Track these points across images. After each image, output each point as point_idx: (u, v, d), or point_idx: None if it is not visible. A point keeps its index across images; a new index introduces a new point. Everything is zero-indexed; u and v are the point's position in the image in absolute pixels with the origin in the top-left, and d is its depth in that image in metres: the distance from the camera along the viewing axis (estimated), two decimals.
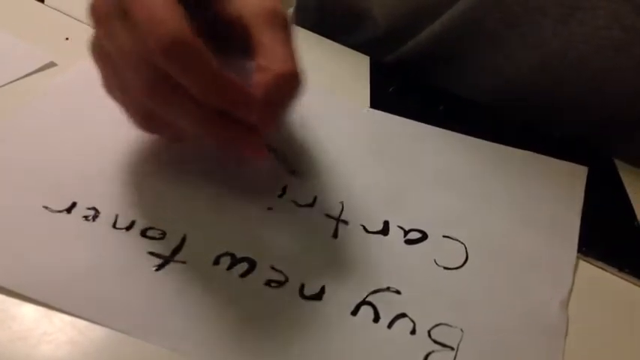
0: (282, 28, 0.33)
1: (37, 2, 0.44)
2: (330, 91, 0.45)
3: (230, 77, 0.31)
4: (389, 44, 0.53)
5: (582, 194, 0.42)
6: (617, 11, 0.45)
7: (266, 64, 0.32)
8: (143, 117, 0.33)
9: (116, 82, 0.33)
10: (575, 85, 0.50)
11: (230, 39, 0.34)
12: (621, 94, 0.50)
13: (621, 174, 0.45)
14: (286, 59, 0.32)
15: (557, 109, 0.50)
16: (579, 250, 0.38)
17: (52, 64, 0.40)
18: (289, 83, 0.32)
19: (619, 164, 0.45)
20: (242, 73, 0.32)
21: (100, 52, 0.33)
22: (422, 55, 0.53)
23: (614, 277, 0.37)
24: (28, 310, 0.29)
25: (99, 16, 0.32)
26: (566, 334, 0.33)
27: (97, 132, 0.37)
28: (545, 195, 0.41)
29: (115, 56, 0.32)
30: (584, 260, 0.38)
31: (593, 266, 0.38)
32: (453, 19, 0.49)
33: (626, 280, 0.38)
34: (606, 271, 0.38)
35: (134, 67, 0.31)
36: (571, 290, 0.36)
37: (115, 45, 0.31)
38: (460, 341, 0.32)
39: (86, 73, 0.33)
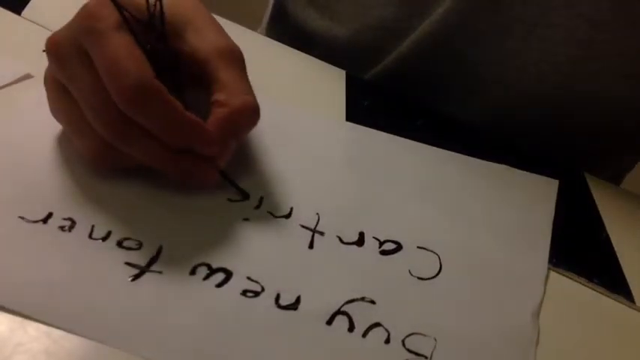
0: (239, 64, 0.36)
1: (13, 14, 0.44)
2: (305, 105, 0.45)
3: (191, 118, 0.33)
4: (359, 64, 0.54)
5: (553, 207, 0.43)
6: (574, 28, 0.46)
7: (225, 99, 0.34)
8: (96, 148, 0.34)
9: (72, 118, 0.34)
10: (537, 101, 0.51)
11: (177, 70, 0.36)
12: (582, 109, 0.51)
13: (591, 187, 0.46)
14: (244, 94, 0.35)
15: (525, 125, 0.52)
16: (550, 261, 0.39)
17: (28, 76, 0.40)
18: (248, 116, 0.35)
19: (589, 177, 0.47)
20: (194, 104, 0.34)
21: (57, 87, 0.34)
22: (391, 76, 0.54)
23: (584, 288, 0.38)
24: (3, 319, 0.29)
25: (59, 54, 0.33)
26: (537, 344, 0.34)
27: (73, 143, 0.37)
28: (518, 207, 0.42)
29: (76, 95, 0.33)
30: (555, 271, 0.39)
31: (563, 277, 0.39)
32: (420, 40, 0.50)
33: (595, 290, 0.38)
34: (576, 281, 0.39)
35: (97, 109, 0.32)
36: (542, 301, 0.36)
37: (76, 85, 0.33)
38: (433, 350, 0.32)
39: None
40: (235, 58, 0.36)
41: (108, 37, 0.31)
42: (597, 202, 0.44)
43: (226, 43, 0.36)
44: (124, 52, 0.31)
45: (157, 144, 0.33)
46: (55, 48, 0.33)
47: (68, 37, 0.33)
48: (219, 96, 0.34)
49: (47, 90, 0.35)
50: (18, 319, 0.29)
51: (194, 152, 0.34)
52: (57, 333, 0.29)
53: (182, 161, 0.34)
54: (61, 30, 0.34)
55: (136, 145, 0.33)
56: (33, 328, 0.29)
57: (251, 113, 0.35)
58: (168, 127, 0.32)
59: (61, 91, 0.34)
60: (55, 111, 0.35)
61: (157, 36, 0.34)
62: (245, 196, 0.37)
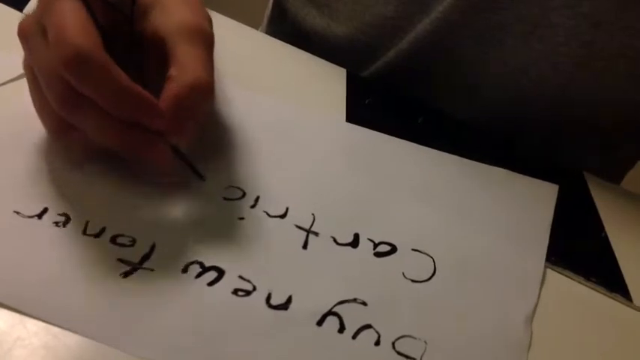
0: (202, 43, 0.35)
1: (15, 11, 0.44)
2: (306, 103, 0.45)
3: (135, 89, 0.32)
4: (357, 62, 0.54)
5: (552, 212, 0.42)
6: (575, 28, 0.46)
7: (176, 75, 0.33)
8: (56, 125, 0.34)
9: (36, 95, 0.34)
10: (538, 101, 0.51)
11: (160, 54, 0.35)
12: (582, 108, 0.51)
13: (590, 186, 0.46)
14: (197, 69, 0.33)
15: (525, 124, 0.51)
16: (548, 260, 0.39)
17: None
18: (199, 93, 0.33)
19: (588, 177, 0.46)
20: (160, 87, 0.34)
21: (27, 68, 0.34)
22: (394, 73, 0.54)
23: (581, 286, 0.38)
24: (2, 315, 0.29)
25: (24, 33, 0.34)
26: (530, 348, 0.34)
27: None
28: (516, 212, 0.42)
29: (35, 70, 0.33)
30: (553, 269, 0.38)
31: (561, 275, 0.38)
32: (420, 38, 0.50)
33: (593, 289, 0.38)
34: (574, 280, 0.38)
35: (47, 78, 0.32)
36: (536, 306, 0.36)
37: (35, 59, 0.33)
38: (424, 353, 0.32)
39: None
40: (200, 37, 0.35)
41: (60, 4, 0.31)
42: (596, 201, 0.44)
43: (193, 21, 0.35)
44: (71, 19, 0.31)
45: (105, 118, 0.32)
46: (21, 29, 0.34)
47: (33, 17, 0.33)
48: (172, 71, 0.34)
49: (26, 76, 0.35)
50: (17, 315, 0.29)
51: (144, 127, 0.33)
52: (55, 328, 0.29)
53: (131, 135, 0.33)
54: (30, 14, 0.34)
55: (84, 118, 0.33)
56: (32, 324, 0.29)
57: (202, 90, 0.34)
58: (111, 96, 0.32)
59: (32, 73, 0.34)
60: (30, 92, 0.35)
61: (124, 19, 0.34)
62: (201, 178, 0.36)
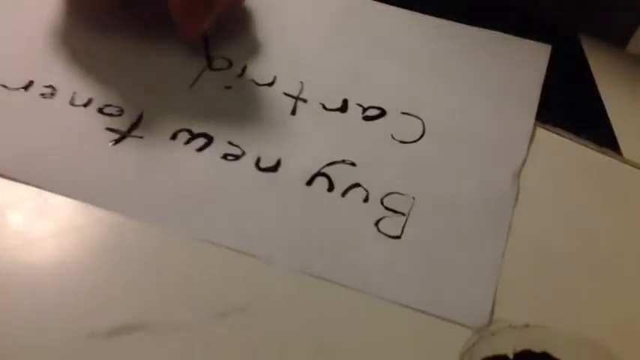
0: None
1: None
2: None
3: None
4: None
5: (544, 72, 0.42)
6: None
7: None
8: None
9: None
10: None
11: None
12: None
13: (585, 48, 0.45)
14: None
15: None
16: (538, 119, 0.39)
17: None
18: None
19: (583, 38, 0.45)
20: None
21: None
22: None
23: (571, 143, 0.38)
24: None
25: None
26: (516, 202, 0.34)
27: (53, 14, 0.37)
28: (507, 73, 0.41)
29: None
30: (543, 127, 0.38)
31: (551, 133, 0.38)
32: None
33: (583, 144, 0.38)
34: (564, 137, 0.38)
35: None
36: (524, 161, 0.36)
37: None
38: (411, 208, 0.33)
39: None
40: None
41: None
42: (590, 61, 0.44)
43: None
44: None
45: None
46: None
47: None
48: None
49: None
50: (5, 181, 0.30)
51: None
52: (47, 193, 0.30)
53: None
54: None
55: None
56: (23, 189, 0.30)
57: None
58: None
59: None
60: None
61: None
62: (209, 65, 0.37)
